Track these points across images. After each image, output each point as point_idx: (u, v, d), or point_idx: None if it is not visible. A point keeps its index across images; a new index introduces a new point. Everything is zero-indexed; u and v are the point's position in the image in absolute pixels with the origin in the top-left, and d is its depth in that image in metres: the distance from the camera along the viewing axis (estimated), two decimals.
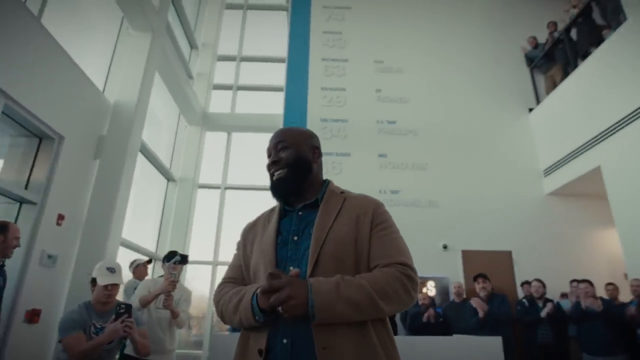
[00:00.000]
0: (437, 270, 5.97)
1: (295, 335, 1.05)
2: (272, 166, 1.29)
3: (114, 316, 2.34)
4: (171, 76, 6.09)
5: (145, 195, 6.09)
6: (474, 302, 4.14)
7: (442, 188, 6.56)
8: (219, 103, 7.62)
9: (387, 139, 6.91)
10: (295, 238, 1.19)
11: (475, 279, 4.11)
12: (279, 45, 8.98)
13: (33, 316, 3.57)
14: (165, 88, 6.31)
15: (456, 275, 5.90)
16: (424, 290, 5.35)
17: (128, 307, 2.37)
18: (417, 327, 4.45)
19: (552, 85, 6.82)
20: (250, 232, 1.34)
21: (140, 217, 5.95)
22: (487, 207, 6.35)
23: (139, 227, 5.78)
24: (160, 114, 6.40)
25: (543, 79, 7.20)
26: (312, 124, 7.01)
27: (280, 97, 8.15)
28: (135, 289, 3.51)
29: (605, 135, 5.38)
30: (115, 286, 2.49)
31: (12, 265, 3.26)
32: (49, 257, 3.77)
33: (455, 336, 4.19)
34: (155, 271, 5.66)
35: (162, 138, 6.54)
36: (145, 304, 3.05)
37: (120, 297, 3.47)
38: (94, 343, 2.26)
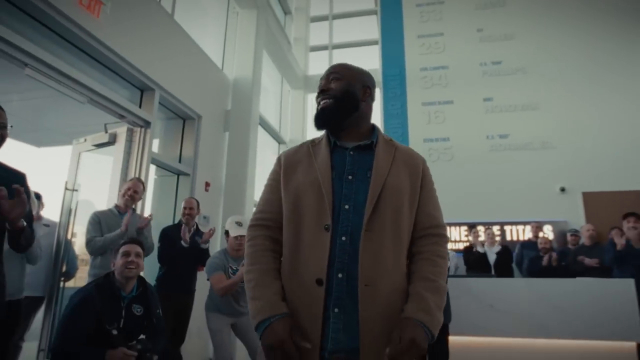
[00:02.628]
0: (553, 214, 5.80)
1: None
2: (319, 95, 1.28)
3: None
4: (274, 46, 6.46)
5: (261, 158, 6.74)
6: (615, 234, 4.04)
7: (557, 128, 6.16)
8: (316, 65, 7.89)
9: (493, 81, 6.60)
10: (350, 177, 1.17)
11: (625, 217, 3.94)
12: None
13: None
14: (267, 56, 6.73)
15: (576, 219, 5.67)
16: (541, 234, 5.26)
17: None
18: (537, 270, 4.50)
19: None
20: (291, 160, 1.28)
21: (260, 179, 6.63)
22: (610, 145, 5.86)
23: (260, 189, 6.48)
24: (265, 81, 6.88)
25: None
26: (412, 74, 6.95)
27: (376, 50, 8.13)
28: None
29: None
30: (243, 237, 2.93)
31: None
32: (204, 217, 4.55)
33: (578, 279, 4.15)
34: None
35: (269, 104, 7.06)
36: None
37: None
38: (232, 281, 2.81)
